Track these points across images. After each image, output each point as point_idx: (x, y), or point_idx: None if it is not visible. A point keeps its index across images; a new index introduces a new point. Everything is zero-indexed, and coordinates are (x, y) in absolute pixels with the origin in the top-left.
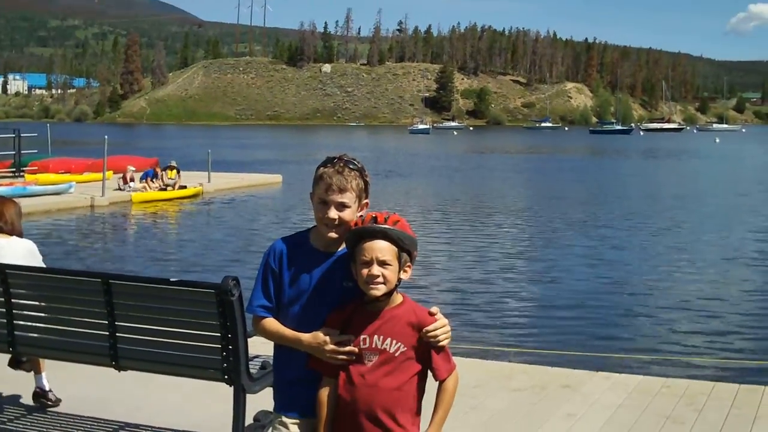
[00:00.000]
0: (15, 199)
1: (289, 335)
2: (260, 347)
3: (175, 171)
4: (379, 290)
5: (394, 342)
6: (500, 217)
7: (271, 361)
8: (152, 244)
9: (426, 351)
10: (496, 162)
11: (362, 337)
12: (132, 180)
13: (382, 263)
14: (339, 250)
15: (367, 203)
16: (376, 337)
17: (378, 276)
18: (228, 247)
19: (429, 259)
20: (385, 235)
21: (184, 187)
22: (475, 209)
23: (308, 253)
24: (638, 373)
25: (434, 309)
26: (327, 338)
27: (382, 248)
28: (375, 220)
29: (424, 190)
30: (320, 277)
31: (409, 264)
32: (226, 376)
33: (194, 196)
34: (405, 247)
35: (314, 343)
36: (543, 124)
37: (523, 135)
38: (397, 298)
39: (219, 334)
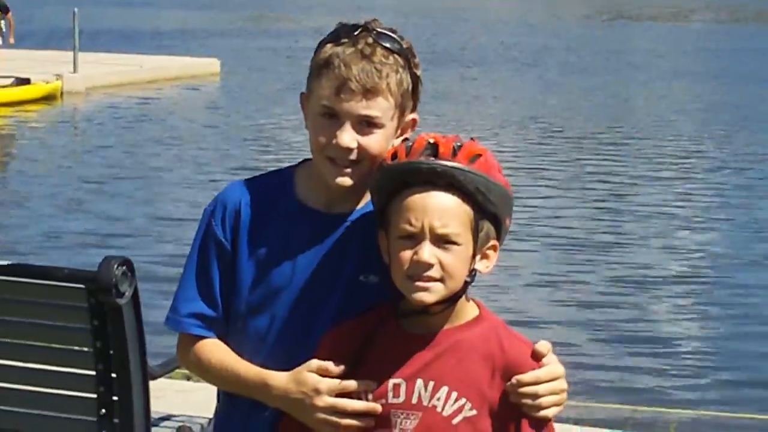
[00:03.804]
0: None
1: (248, 374)
2: (174, 400)
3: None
4: (431, 293)
5: (454, 395)
6: (656, 158)
7: (195, 427)
8: None
9: (512, 418)
10: (655, 41)
11: (392, 381)
12: None
13: (442, 239)
14: (356, 209)
15: (414, 120)
16: (419, 382)
17: (432, 264)
18: (113, 207)
19: (523, 231)
20: (452, 182)
21: (27, 81)
22: (612, 142)
23: (292, 214)
24: None
25: (543, 345)
26: (322, 382)
27: (444, 209)
28: (434, 149)
29: (509, 99)
30: (317, 261)
31: (494, 243)
32: None
33: (47, 98)
34: (490, 209)
35: (296, 391)
36: None
37: None
38: (468, 308)
39: (92, 372)
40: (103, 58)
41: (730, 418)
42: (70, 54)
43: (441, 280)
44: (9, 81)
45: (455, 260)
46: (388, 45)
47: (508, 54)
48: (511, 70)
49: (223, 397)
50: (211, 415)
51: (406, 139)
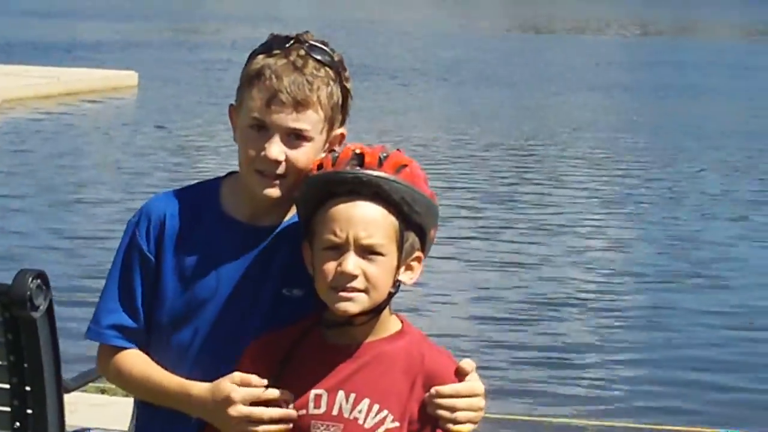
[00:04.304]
0: None
1: (170, 384)
2: (89, 413)
3: None
4: (355, 303)
5: (376, 407)
6: (580, 169)
7: None
8: None
9: (430, 431)
10: (571, 53)
11: (314, 392)
12: None
13: (367, 250)
14: (282, 222)
15: (342, 135)
16: (341, 394)
17: (356, 275)
18: (26, 226)
19: (446, 249)
20: (377, 192)
21: None
22: (534, 150)
23: (217, 225)
24: None
25: (467, 363)
26: (235, 391)
27: (368, 219)
28: (359, 159)
29: (423, 113)
30: (241, 274)
31: (419, 254)
32: None
33: None
34: (415, 220)
35: (212, 401)
36: None
37: None
38: (391, 321)
39: (7, 386)
40: (18, 70)
41: (644, 428)
42: None
43: (365, 290)
44: None
45: (379, 271)
46: (319, 57)
47: (423, 67)
48: (425, 83)
49: (142, 408)
50: (125, 428)
51: (332, 151)
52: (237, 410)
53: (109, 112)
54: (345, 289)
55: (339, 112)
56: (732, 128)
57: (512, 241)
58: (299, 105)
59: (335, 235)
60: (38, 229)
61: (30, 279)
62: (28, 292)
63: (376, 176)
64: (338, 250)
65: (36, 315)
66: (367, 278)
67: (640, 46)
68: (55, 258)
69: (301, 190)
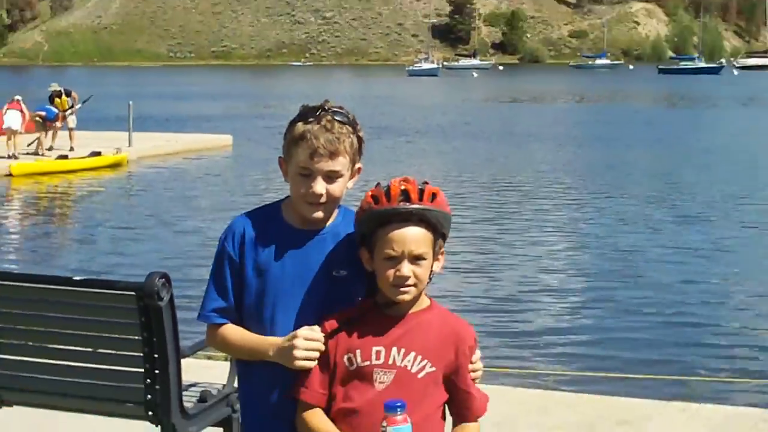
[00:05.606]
0: None
1: (260, 343)
2: (198, 373)
3: (65, 98)
4: (410, 294)
5: (419, 358)
6: (538, 197)
7: (213, 391)
8: (48, 241)
9: (456, 375)
10: (532, 115)
11: (375, 348)
12: None
13: (417, 258)
14: (325, 227)
15: (359, 168)
16: (394, 349)
17: (409, 276)
18: (156, 241)
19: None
20: (421, 218)
21: (98, 153)
22: (504, 185)
23: (281, 231)
24: (727, 402)
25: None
26: (300, 331)
27: (416, 238)
28: (406, 195)
29: (428, 157)
30: (300, 264)
31: (443, 250)
32: (150, 412)
33: (114, 166)
34: (442, 231)
35: (284, 341)
36: (598, 61)
37: (570, 76)
38: (424, 298)
39: (141, 354)
40: (148, 136)
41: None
42: (125, 134)
43: (415, 285)
44: (86, 153)
45: (423, 270)
46: (340, 119)
47: (425, 128)
48: (426, 140)
49: (241, 366)
50: (224, 382)
51: (378, 184)
52: (300, 341)
53: (212, 165)
54: (402, 286)
55: (357, 153)
56: (636, 163)
57: (490, 251)
58: (333, 154)
59: (393, 250)
60: (159, 247)
61: (157, 278)
62: (156, 288)
63: (421, 209)
64: (395, 260)
65: (162, 304)
66: (416, 277)
67: (579, 110)
68: (172, 265)
69: (363, 215)
